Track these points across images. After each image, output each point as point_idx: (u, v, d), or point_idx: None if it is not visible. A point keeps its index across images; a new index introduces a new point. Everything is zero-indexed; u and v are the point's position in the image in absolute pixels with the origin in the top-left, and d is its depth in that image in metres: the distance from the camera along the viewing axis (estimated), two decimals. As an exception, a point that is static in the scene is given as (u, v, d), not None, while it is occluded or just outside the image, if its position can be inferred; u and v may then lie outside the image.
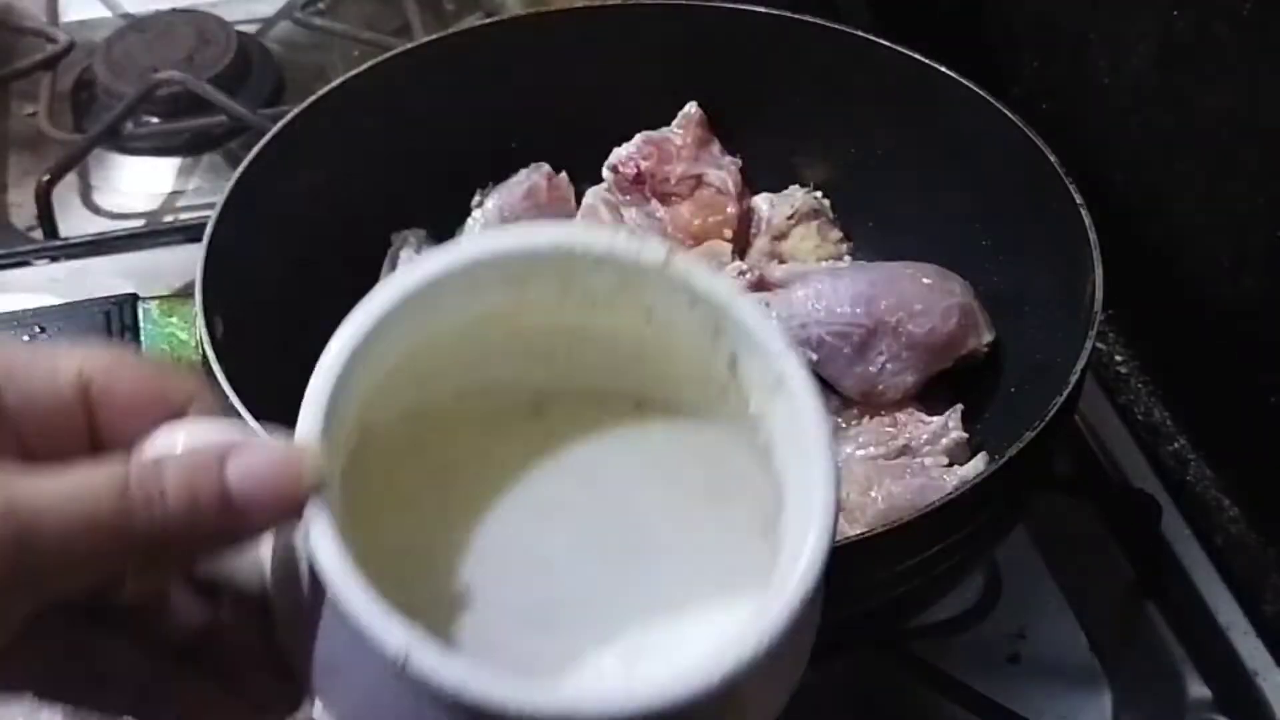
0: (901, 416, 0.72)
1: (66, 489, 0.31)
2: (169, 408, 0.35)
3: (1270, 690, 0.69)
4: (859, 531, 0.62)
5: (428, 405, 0.41)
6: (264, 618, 0.37)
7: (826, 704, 0.69)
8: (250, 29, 1.10)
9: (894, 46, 0.76)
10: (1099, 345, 0.84)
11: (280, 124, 0.74)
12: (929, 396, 0.74)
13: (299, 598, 0.36)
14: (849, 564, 0.56)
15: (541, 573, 0.39)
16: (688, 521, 0.41)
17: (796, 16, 0.80)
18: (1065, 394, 0.60)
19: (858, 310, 0.71)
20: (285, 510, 0.33)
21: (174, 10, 1.08)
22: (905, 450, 0.70)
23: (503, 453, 0.41)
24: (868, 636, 0.65)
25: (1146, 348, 0.84)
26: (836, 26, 0.80)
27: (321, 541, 0.34)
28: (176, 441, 0.35)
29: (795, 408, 0.38)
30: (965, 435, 0.71)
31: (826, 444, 0.37)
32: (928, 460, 0.69)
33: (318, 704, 0.38)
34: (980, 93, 0.73)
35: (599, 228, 0.78)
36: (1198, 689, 0.71)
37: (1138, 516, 0.75)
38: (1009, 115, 0.72)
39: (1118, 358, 0.85)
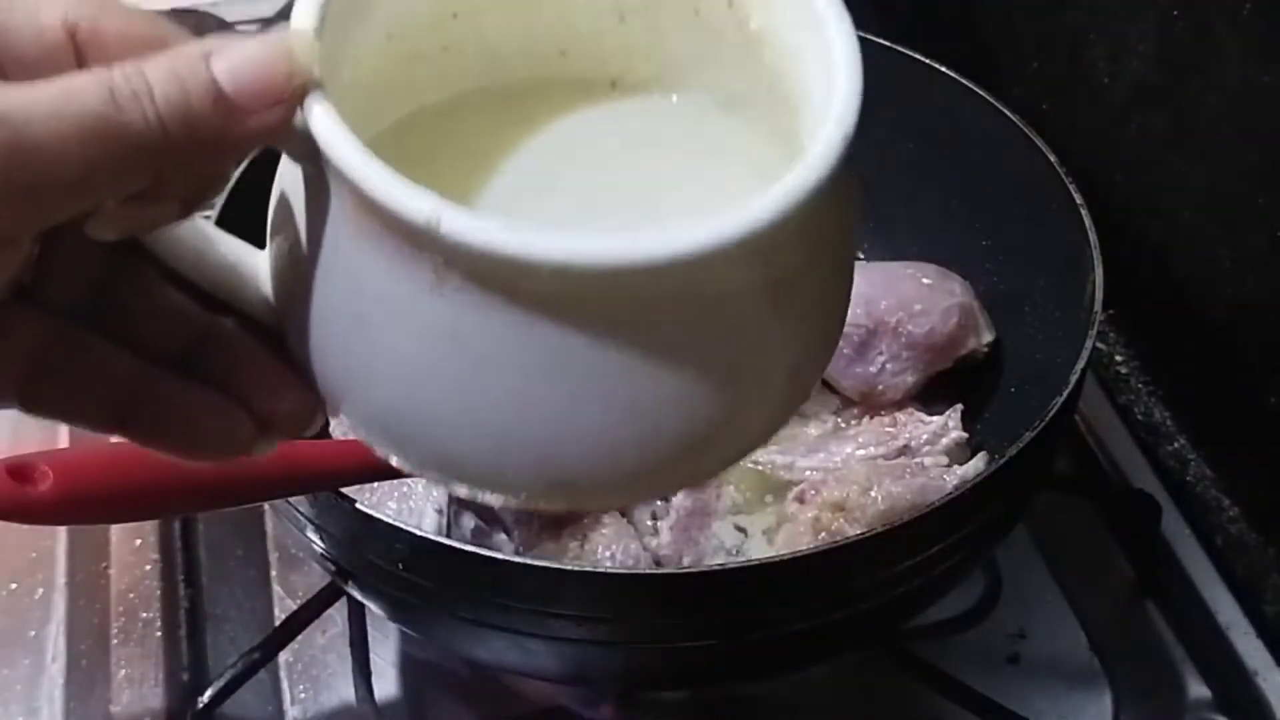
0: (901, 416, 0.72)
1: (53, 94, 0.29)
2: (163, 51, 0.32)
3: (1270, 690, 0.69)
4: (859, 531, 0.62)
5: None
6: (270, 327, 0.35)
7: (827, 704, 0.69)
8: (250, 29, 1.10)
9: (894, 46, 0.76)
10: (1099, 345, 0.84)
11: (280, 124, 0.73)
12: (929, 396, 0.74)
13: (303, 253, 0.33)
14: (849, 564, 0.56)
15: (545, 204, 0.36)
16: (683, 176, 0.38)
17: (796, 17, 0.80)
18: (1065, 394, 0.60)
19: (857, 310, 0.71)
20: (279, 98, 0.31)
21: (174, 10, 1.08)
22: (905, 450, 0.70)
23: (470, 142, 0.37)
24: (868, 636, 0.65)
25: (1146, 348, 0.84)
26: (836, 26, 0.80)
27: (324, 122, 0.31)
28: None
29: None
30: (965, 435, 0.71)
31: (839, 10, 0.34)
32: (928, 460, 0.69)
33: (338, 410, 0.34)
34: (980, 93, 0.73)
35: None
36: (1198, 689, 0.71)
37: (1138, 516, 0.75)
38: (1009, 115, 0.72)
39: (1118, 358, 0.85)
